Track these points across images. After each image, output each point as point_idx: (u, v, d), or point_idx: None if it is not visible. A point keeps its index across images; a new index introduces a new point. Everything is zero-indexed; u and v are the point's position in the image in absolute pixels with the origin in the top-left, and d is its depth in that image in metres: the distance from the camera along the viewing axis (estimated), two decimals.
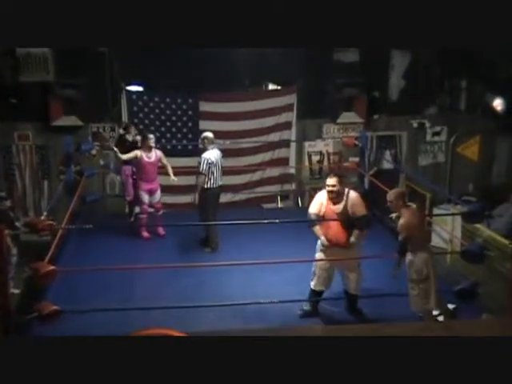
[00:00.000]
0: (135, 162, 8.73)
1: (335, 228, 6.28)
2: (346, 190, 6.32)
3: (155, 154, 8.71)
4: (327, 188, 6.26)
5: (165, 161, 8.81)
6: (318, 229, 6.35)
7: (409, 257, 5.92)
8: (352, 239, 6.24)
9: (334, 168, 11.46)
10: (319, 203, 6.36)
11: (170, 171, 8.74)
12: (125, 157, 8.68)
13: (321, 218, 6.33)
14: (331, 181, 6.23)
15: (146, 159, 8.62)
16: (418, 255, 5.88)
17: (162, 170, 8.95)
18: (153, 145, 8.68)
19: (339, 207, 6.25)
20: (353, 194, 6.31)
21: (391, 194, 6.10)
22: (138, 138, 9.12)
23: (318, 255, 6.44)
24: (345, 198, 6.26)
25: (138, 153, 8.63)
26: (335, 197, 6.23)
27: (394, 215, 6.31)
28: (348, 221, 6.20)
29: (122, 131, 9.59)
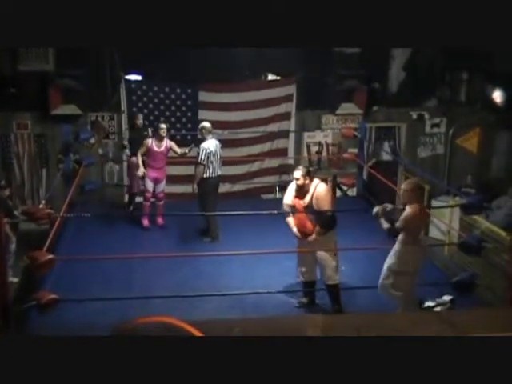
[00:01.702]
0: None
1: (302, 220, 6.22)
2: (316, 182, 6.16)
3: (165, 144, 8.71)
4: (294, 181, 6.18)
5: (176, 148, 8.80)
6: (290, 220, 6.29)
7: (397, 247, 5.72)
8: (312, 236, 6.13)
9: (333, 159, 11.48)
10: (291, 194, 6.27)
11: (178, 150, 8.78)
12: (140, 153, 8.69)
13: (293, 210, 6.24)
14: (296, 174, 6.09)
15: (155, 148, 8.64)
16: (410, 248, 5.65)
17: (169, 160, 9.02)
18: (163, 134, 8.67)
19: (305, 200, 6.12)
20: (320, 188, 6.10)
21: (409, 184, 5.80)
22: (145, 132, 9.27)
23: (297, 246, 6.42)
24: (312, 190, 6.10)
25: (149, 141, 8.66)
26: (300, 190, 6.11)
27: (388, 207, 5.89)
28: (313, 214, 6.10)
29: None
